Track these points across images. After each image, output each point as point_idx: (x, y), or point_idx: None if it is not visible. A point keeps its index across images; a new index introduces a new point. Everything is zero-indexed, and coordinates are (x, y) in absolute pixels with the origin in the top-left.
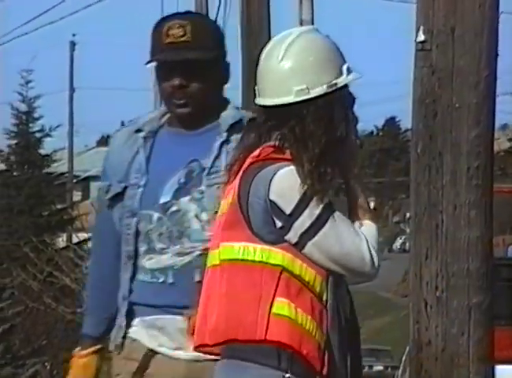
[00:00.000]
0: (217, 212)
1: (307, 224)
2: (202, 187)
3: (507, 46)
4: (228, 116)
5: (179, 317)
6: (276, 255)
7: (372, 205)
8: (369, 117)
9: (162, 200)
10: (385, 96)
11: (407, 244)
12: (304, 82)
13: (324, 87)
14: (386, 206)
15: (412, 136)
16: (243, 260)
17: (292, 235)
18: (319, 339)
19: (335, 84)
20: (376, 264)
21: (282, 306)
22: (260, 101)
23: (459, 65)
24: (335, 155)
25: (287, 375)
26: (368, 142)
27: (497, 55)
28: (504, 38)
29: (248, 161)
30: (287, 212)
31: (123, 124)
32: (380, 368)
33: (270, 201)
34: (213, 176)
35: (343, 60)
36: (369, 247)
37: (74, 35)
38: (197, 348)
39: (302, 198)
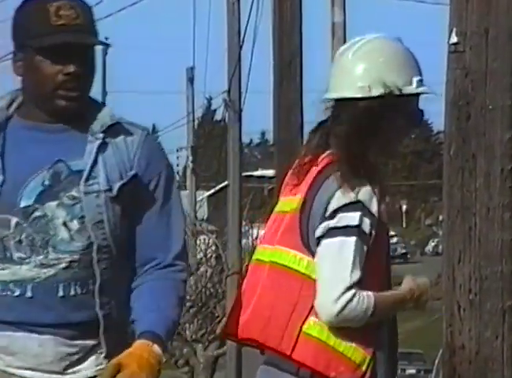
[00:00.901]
0: (98, 222)
1: (330, 226)
2: (75, 193)
3: None
4: (105, 115)
5: (34, 335)
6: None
7: (404, 208)
8: None
9: (23, 204)
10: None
11: (440, 247)
12: (368, 80)
13: (386, 89)
14: (418, 209)
15: (445, 138)
16: (287, 267)
17: (318, 232)
18: (359, 359)
19: (400, 90)
20: (337, 318)
21: (313, 327)
22: (326, 95)
23: (492, 67)
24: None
25: None
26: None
27: None
28: None
29: (314, 170)
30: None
31: (154, 127)
32: (413, 371)
33: (326, 210)
34: (91, 182)
35: (417, 71)
36: (348, 297)
37: (106, 38)
38: (227, 335)
39: (344, 204)
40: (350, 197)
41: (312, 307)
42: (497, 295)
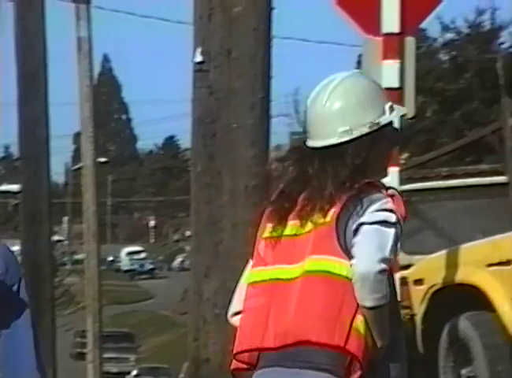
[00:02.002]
0: None
1: (368, 220)
2: None
3: (280, 69)
4: None
5: None
6: None
7: (152, 223)
8: (148, 135)
9: None
10: (165, 115)
11: (187, 262)
12: (347, 123)
13: (367, 127)
14: (166, 225)
15: (192, 155)
16: (327, 272)
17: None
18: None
19: (378, 123)
20: (375, 276)
21: (361, 324)
22: (310, 143)
23: (236, 87)
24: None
25: None
26: (148, 161)
27: (271, 78)
28: (277, 61)
29: (346, 194)
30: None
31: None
32: None
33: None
34: None
35: (385, 99)
36: (386, 267)
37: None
38: (239, 353)
39: (383, 208)
40: (388, 206)
41: (358, 305)
42: None
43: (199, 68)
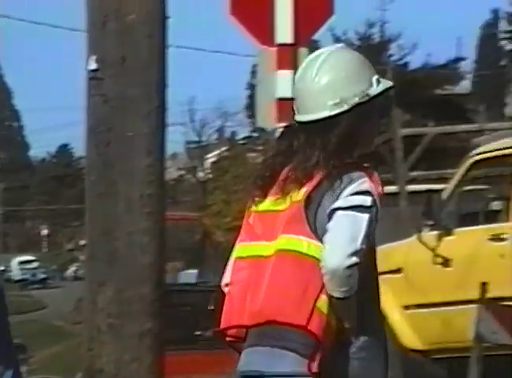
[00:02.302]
0: None
1: (343, 205)
2: None
3: (176, 78)
4: None
5: None
6: None
7: (45, 232)
8: (41, 143)
9: None
10: (59, 122)
11: (80, 271)
12: (338, 96)
13: (357, 98)
14: (60, 234)
15: (86, 164)
16: (296, 251)
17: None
18: (334, 339)
19: (367, 95)
20: (343, 271)
21: (324, 304)
22: (299, 117)
23: (131, 95)
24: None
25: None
26: (40, 169)
27: (167, 86)
28: (173, 70)
29: (319, 174)
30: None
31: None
32: None
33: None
34: None
35: (372, 72)
36: (356, 261)
37: None
38: (225, 329)
39: (358, 191)
40: (365, 187)
41: (322, 286)
42: (137, 318)
43: (93, 76)
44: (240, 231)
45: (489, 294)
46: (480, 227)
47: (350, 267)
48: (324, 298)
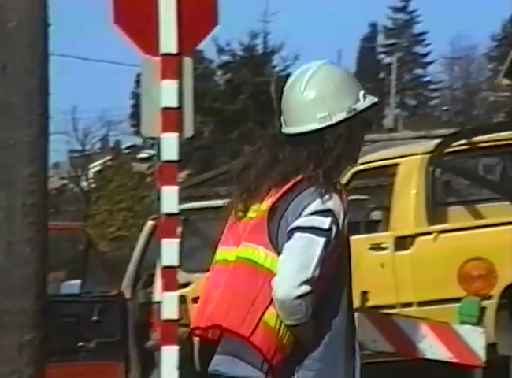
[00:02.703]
0: None
1: (302, 224)
2: None
3: (58, 87)
4: None
5: None
6: None
7: None
8: None
9: None
10: None
11: None
12: (326, 109)
13: (344, 113)
14: None
15: None
16: (252, 261)
17: (290, 227)
18: (287, 353)
19: (354, 109)
20: (292, 302)
21: (272, 317)
22: (286, 130)
23: (12, 103)
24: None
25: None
26: None
27: (49, 94)
28: (55, 78)
29: (288, 185)
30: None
31: None
32: None
33: (299, 217)
34: None
35: (359, 87)
36: (308, 290)
37: None
38: (192, 330)
39: (318, 210)
40: (325, 205)
41: (272, 299)
42: (16, 330)
43: None
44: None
45: (370, 303)
46: (360, 236)
47: (299, 297)
48: (272, 310)
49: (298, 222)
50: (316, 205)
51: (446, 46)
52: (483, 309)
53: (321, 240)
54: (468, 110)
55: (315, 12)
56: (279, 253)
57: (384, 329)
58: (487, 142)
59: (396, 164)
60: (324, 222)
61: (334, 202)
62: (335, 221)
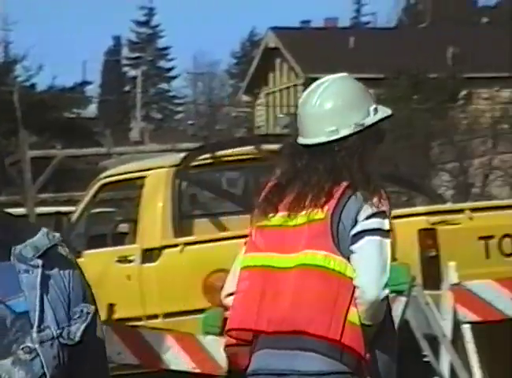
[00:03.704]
0: None
1: (367, 228)
2: (30, 344)
3: None
4: (37, 233)
5: None
6: (352, 269)
7: None
8: None
9: None
10: None
11: None
12: (334, 123)
13: (352, 127)
14: None
15: None
16: (323, 267)
17: (353, 231)
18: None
19: (363, 124)
20: (379, 303)
21: (355, 316)
22: (301, 140)
23: None
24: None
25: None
26: None
27: None
28: None
29: (336, 192)
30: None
31: None
32: None
33: (356, 220)
34: (41, 326)
35: (370, 101)
36: (388, 292)
37: None
38: (234, 330)
39: (375, 212)
40: (379, 207)
41: (351, 299)
42: None
43: None
44: (246, 245)
45: (116, 315)
46: (108, 249)
47: (384, 298)
48: (354, 310)
49: (362, 226)
50: (369, 208)
51: (189, 62)
52: (226, 320)
53: (388, 241)
54: (212, 125)
55: (60, 24)
56: (344, 256)
57: (128, 341)
58: (230, 156)
59: (143, 177)
60: (384, 224)
61: (384, 204)
62: (389, 222)
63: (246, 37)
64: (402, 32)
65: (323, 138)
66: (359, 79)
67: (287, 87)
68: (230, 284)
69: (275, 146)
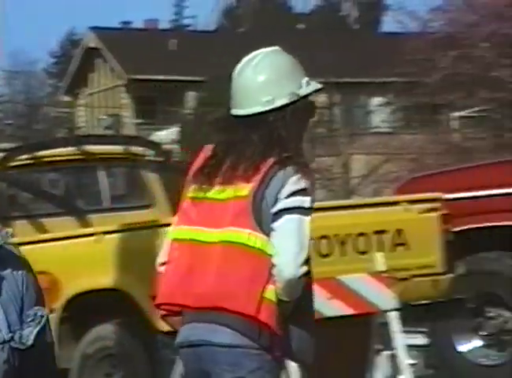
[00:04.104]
0: None
1: (287, 206)
2: None
3: None
4: None
5: None
6: (271, 247)
7: None
8: None
9: None
10: None
11: None
12: (270, 94)
13: (287, 97)
14: None
15: None
16: (246, 245)
17: (273, 210)
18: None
19: (297, 95)
20: (297, 281)
21: (271, 292)
22: (234, 111)
23: None
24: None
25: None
26: None
27: None
28: None
29: (263, 167)
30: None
31: None
32: None
33: (277, 198)
34: None
35: (303, 74)
36: (306, 269)
37: None
38: (164, 305)
39: (297, 190)
40: (301, 184)
41: (269, 277)
42: None
43: None
44: (178, 217)
45: None
46: None
47: (302, 276)
48: (271, 287)
49: (283, 204)
50: (291, 186)
51: (6, 60)
52: None
53: (307, 219)
54: (31, 125)
55: None
56: (266, 234)
57: None
58: (51, 157)
59: None
60: (305, 201)
61: (305, 181)
62: (311, 199)
63: (64, 36)
64: (222, 36)
65: (259, 108)
66: (181, 82)
67: (109, 88)
68: (162, 253)
69: (96, 147)
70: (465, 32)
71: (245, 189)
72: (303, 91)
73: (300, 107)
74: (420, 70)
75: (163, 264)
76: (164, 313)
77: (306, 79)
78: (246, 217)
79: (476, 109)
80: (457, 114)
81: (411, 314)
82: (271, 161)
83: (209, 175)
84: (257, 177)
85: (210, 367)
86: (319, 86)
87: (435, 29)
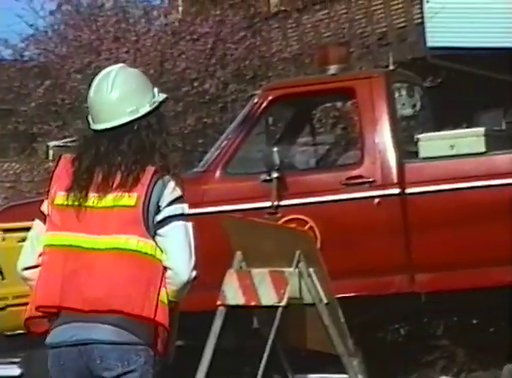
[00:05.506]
0: None
1: (172, 213)
2: None
3: None
4: None
5: None
6: (160, 252)
7: None
8: None
9: None
10: None
11: None
12: (133, 104)
13: (148, 105)
14: None
15: None
16: (136, 251)
17: (159, 217)
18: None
19: (155, 102)
20: (189, 284)
21: (164, 295)
22: (98, 126)
23: None
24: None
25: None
26: None
27: None
28: None
29: (144, 177)
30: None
31: None
32: None
33: (159, 206)
34: None
35: (151, 84)
36: (196, 272)
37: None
38: (44, 307)
39: (176, 198)
40: (178, 192)
41: (161, 280)
42: None
43: None
44: (46, 224)
45: None
46: None
47: (193, 279)
48: (164, 290)
49: (167, 211)
50: (171, 194)
51: None
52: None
53: (190, 225)
54: None
55: None
56: (153, 240)
57: None
58: None
59: None
60: (185, 208)
61: (182, 188)
62: (187, 206)
63: None
64: None
65: (126, 118)
66: None
67: None
68: (27, 256)
69: None
70: (58, 63)
71: (130, 198)
72: (159, 98)
73: (159, 115)
74: (15, 98)
75: (28, 268)
76: (34, 314)
77: (156, 88)
78: (134, 225)
79: (72, 139)
80: (53, 143)
81: (6, 345)
82: (151, 169)
83: (78, 183)
84: (141, 186)
85: (97, 364)
86: (165, 95)
87: (29, 58)
